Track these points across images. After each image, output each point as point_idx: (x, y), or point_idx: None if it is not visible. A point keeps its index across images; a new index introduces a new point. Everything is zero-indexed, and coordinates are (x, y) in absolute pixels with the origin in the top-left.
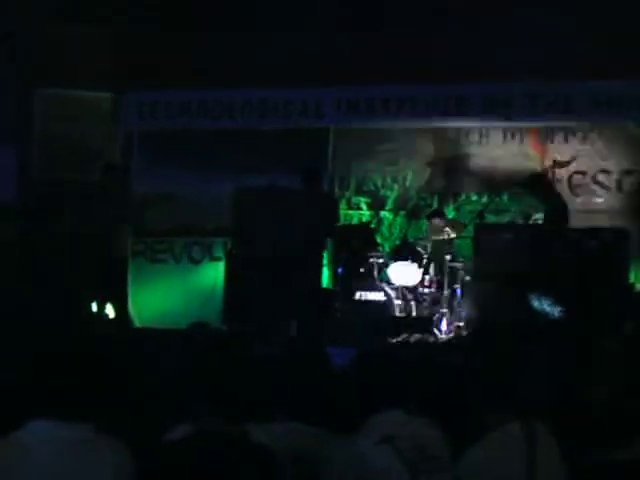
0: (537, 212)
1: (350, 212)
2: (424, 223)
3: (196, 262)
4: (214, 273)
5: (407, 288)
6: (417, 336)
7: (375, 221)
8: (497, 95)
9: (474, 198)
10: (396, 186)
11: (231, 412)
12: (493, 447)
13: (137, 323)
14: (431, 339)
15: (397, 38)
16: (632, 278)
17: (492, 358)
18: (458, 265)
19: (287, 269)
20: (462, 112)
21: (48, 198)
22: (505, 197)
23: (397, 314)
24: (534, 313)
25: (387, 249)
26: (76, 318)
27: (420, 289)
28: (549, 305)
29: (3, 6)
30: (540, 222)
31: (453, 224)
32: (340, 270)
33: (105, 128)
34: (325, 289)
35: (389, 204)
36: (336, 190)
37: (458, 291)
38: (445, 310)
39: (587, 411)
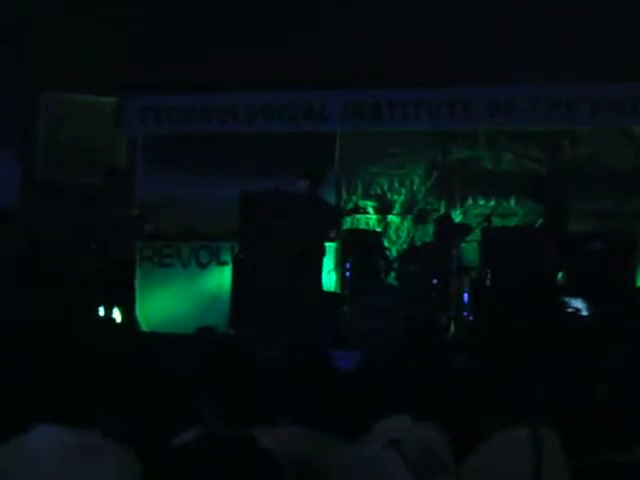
0: (541, 216)
1: (357, 216)
2: (431, 227)
3: (203, 266)
4: (221, 277)
5: (414, 292)
6: (424, 340)
7: (382, 225)
8: (502, 99)
9: (481, 202)
10: (403, 190)
11: (237, 417)
12: (498, 451)
13: (144, 327)
14: (438, 343)
15: (403, 41)
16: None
17: (496, 362)
18: (465, 269)
19: (293, 273)
20: (468, 115)
21: (51, 201)
22: (512, 201)
23: (403, 318)
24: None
25: (394, 253)
26: (81, 322)
27: (427, 293)
28: (579, 302)
29: (4, 7)
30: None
31: (459, 228)
32: (347, 274)
33: (109, 132)
34: (330, 292)
35: (396, 208)
36: (343, 194)
37: (465, 295)
38: (452, 314)
39: (589, 415)
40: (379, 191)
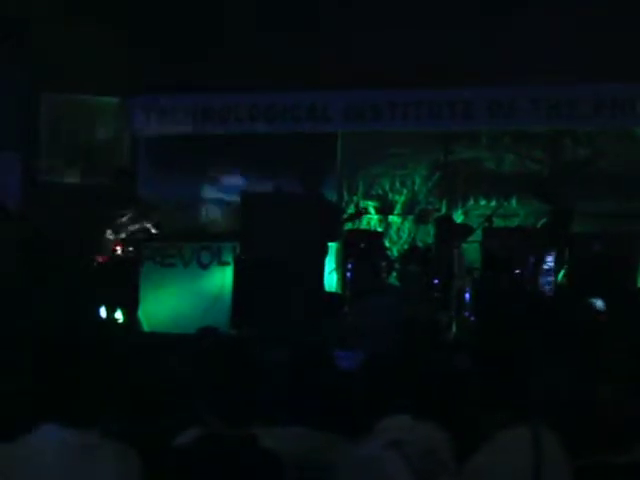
0: (544, 217)
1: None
2: (432, 227)
3: (204, 267)
4: (222, 278)
5: (415, 292)
6: (426, 340)
7: (383, 225)
8: (503, 99)
9: (482, 202)
10: (404, 190)
11: (238, 417)
12: (498, 451)
13: (145, 328)
14: (440, 343)
15: (404, 42)
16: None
17: (498, 361)
18: (466, 269)
19: (295, 273)
20: (469, 116)
21: (53, 201)
22: (513, 201)
23: (405, 318)
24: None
25: (395, 253)
26: (83, 322)
27: (428, 293)
28: (598, 300)
29: (4, 7)
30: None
31: (459, 226)
32: (349, 274)
33: (111, 133)
34: (331, 293)
35: (397, 208)
36: (344, 194)
37: (466, 295)
38: (453, 314)
39: (589, 415)
40: (380, 191)
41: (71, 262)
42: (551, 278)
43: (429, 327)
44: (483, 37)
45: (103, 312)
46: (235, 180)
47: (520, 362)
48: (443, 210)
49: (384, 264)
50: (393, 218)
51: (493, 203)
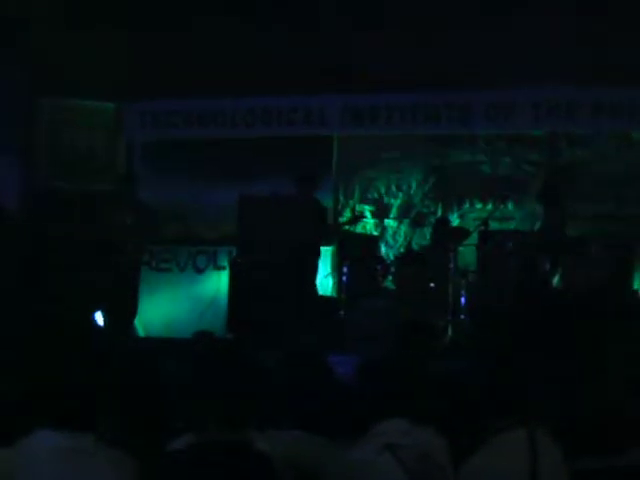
0: (540, 220)
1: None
2: (428, 231)
3: (200, 271)
4: (218, 282)
5: (411, 295)
6: (422, 343)
7: (379, 229)
8: (501, 102)
9: (478, 206)
10: (400, 194)
11: (234, 420)
12: (495, 454)
13: (141, 332)
14: (435, 347)
15: (401, 45)
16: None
17: (494, 365)
18: (462, 272)
19: (290, 277)
20: (466, 119)
21: (51, 206)
22: (510, 205)
23: (401, 322)
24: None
25: (391, 257)
26: (80, 328)
27: (424, 296)
28: None
29: (4, 11)
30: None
31: (456, 229)
32: (344, 278)
33: (109, 138)
34: (327, 297)
35: (393, 212)
36: (340, 198)
37: (462, 299)
38: (449, 318)
39: (587, 418)
40: (376, 195)
41: (68, 266)
42: (547, 281)
43: (425, 331)
44: (481, 40)
45: (100, 317)
46: (231, 184)
47: (517, 365)
48: (439, 213)
49: (380, 268)
50: (389, 222)
51: (489, 206)
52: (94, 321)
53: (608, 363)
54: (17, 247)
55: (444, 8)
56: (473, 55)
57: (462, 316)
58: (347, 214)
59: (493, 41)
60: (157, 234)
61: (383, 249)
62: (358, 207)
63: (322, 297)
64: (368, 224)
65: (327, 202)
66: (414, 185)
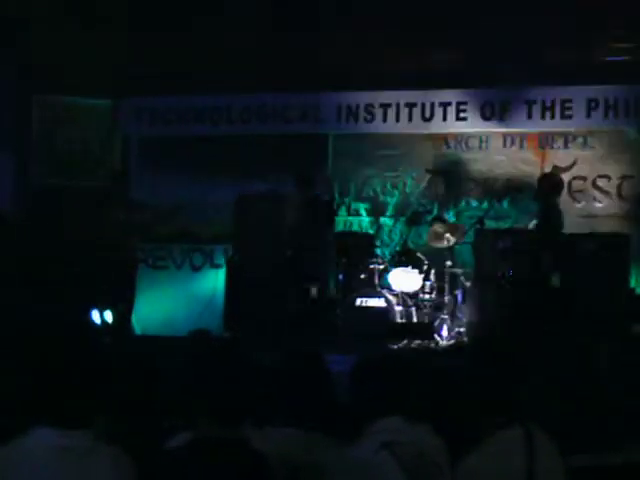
0: (535, 218)
1: (350, 218)
2: (424, 229)
3: (197, 269)
4: (215, 280)
5: (407, 294)
6: (418, 342)
7: (375, 227)
8: (496, 100)
9: (474, 204)
10: (396, 192)
11: (231, 419)
12: (491, 453)
13: (137, 330)
14: (432, 345)
15: (397, 43)
16: (633, 283)
17: (491, 363)
18: (458, 271)
19: (288, 275)
20: (460, 117)
21: (46, 204)
22: (505, 203)
23: (398, 320)
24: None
25: (387, 255)
26: (76, 325)
27: (420, 295)
28: None
29: (3, 8)
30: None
31: (454, 228)
32: (340, 277)
33: (104, 134)
34: (323, 295)
35: (389, 210)
36: (336, 196)
37: (459, 297)
38: (446, 316)
39: (582, 415)
40: (372, 193)
41: (65, 264)
42: (545, 279)
43: (422, 329)
44: (477, 38)
45: (96, 315)
46: (227, 181)
47: (514, 364)
48: (435, 212)
49: (376, 266)
50: (385, 220)
51: (485, 205)
52: (90, 319)
53: (604, 361)
54: (12, 246)
55: (441, 6)
56: (468, 53)
57: (459, 315)
58: (343, 212)
59: (488, 39)
60: (150, 231)
61: (379, 247)
62: (354, 205)
63: (319, 296)
64: (363, 222)
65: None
66: (410, 183)
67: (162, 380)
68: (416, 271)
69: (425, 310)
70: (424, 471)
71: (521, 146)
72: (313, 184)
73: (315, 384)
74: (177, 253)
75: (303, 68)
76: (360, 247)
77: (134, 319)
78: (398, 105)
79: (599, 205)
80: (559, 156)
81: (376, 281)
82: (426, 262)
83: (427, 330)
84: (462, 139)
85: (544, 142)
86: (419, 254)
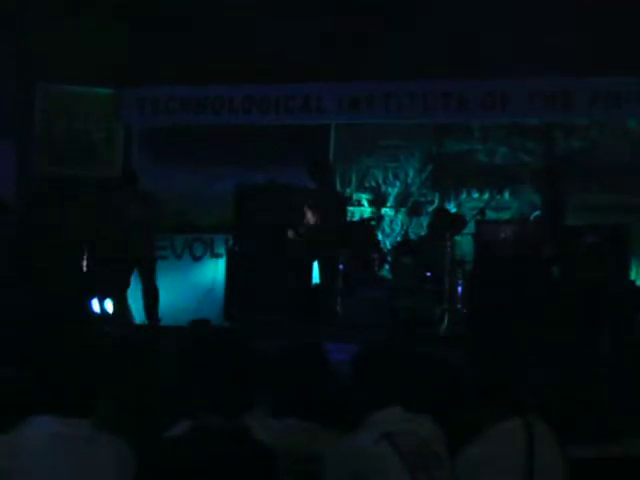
0: (536, 209)
1: (351, 208)
2: (425, 220)
3: (197, 258)
4: (215, 270)
5: (408, 284)
6: (418, 332)
7: (376, 218)
8: (497, 91)
9: (475, 195)
10: (397, 182)
11: (231, 408)
12: (491, 443)
13: (138, 319)
14: (432, 335)
15: (397, 35)
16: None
17: (491, 353)
18: (459, 261)
19: (287, 265)
20: (462, 108)
21: (48, 194)
22: (506, 194)
23: (398, 310)
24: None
25: (388, 246)
26: (76, 314)
27: (421, 285)
28: None
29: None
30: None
31: (455, 219)
32: (341, 266)
33: (106, 124)
34: (323, 285)
35: (390, 200)
36: (337, 186)
37: (459, 287)
38: (446, 306)
39: (583, 407)
40: (373, 183)
41: (66, 254)
42: (546, 270)
43: (422, 320)
44: (478, 29)
45: (96, 304)
46: (228, 171)
47: (514, 354)
48: (436, 202)
49: (376, 257)
50: (386, 210)
51: (486, 196)
52: (90, 308)
53: (605, 352)
54: (13, 236)
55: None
56: (470, 44)
57: (459, 305)
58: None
59: (490, 30)
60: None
61: (380, 238)
62: (355, 195)
63: (319, 285)
64: (365, 212)
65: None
66: (411, 174)
67: (162, 369)
68: (417, 262)
69: (426, 300)
70: (424, 461)
71: (523, 136)
72: (328, 172)
73: (315, 374)
74: (177, 243)
75: (305, 57)
76: (361, 237)
77: (133, 308)
78: (400, 95)
79: (601, 196)
80: (561, 147)
81: (376, 271)
82: (427, 252)
83: (427, 320)
84: (463, 129)
85: (546, 133)
86: (420, 244)
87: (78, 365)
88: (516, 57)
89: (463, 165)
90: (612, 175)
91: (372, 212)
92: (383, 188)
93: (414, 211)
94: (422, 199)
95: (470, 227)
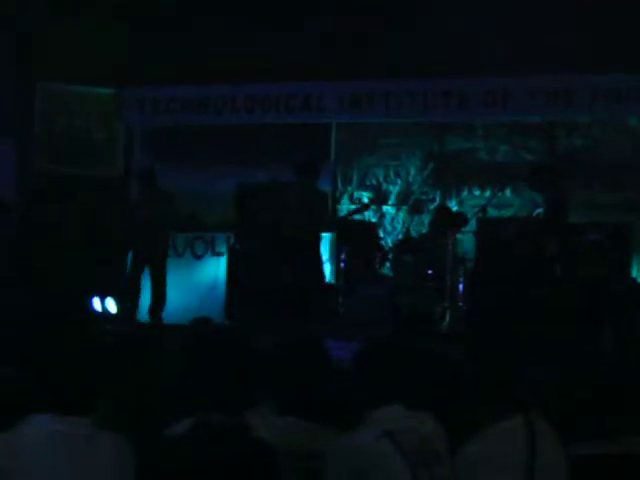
0: (538, 207)
1: (352, 207)
2: (427, 218)
3: (198, 257)
4: (216, 268)
5: (409, 282)
6: (419, 330)
7: (377, 216)
8: (499, 89)
9: (477, 193)
10: (399, 180)
11: (232, 406)
12: (493, 441)
13: (139, 317)
14: (433, 333)
15: (397, 34)
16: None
17: (492, 351)
18: (461, 259)
19: (288, 263)
20: (463, 106)
21: (47, 191)
22: (508, 192)
23: (399, 308)
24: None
25: (389, 243)
26: (76, 312)
27: (422, 283)
28: None
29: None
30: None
31: (457, 217)
32: (342, 264)
33: (107, 123)
34: (325, 283)
35: (391, 199)
36: (338, 185)
37: (461, 285)
38: (447, 304)
39: (584, 404)
40: (374, 182)
41: (66, 253)
42: (545, 268)
43: (423, 317)
44: (479, 27)
45: (97, 302)
46: (230, 170)
47: (515, 352)
48: (437, 200)
49: (378, 254)
50: (387, 208)
51: (487, 193)
52: (90, 306)
53: (607, 350)
54: (13, 236)
55: None
56: (470, 42)
57: (460, 303)
58: (345, 201)
59: (491, 27)
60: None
61: (381, 236)
62: (356, 194)
63: (321, 283)
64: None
65: (325, 188)
66: (412, 172)
67: (164, 367)
68: (418, 259)
69: (427, 298)
70: (425, 459)
71: (525, 135)
72: (313, 172)
73: (316, 372)
74: (178, 241)
75: (306, 57)
76: (363, 235)
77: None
78: (401, 94)
79: (602, 193)
80: (563, 145)
81: (378, 269)
82: (428, 250)
83: (429, 318)
84: (465, 127)
85: (547, 130)
86: (421, 242)
87: (78, 364)
88: (516, 57)
89: (464, 163)
90: (614, 173)
91: (373, 210)
92: (384, 186)
93: (415, 209)
94: (423, 197)
95: (471, 225)
